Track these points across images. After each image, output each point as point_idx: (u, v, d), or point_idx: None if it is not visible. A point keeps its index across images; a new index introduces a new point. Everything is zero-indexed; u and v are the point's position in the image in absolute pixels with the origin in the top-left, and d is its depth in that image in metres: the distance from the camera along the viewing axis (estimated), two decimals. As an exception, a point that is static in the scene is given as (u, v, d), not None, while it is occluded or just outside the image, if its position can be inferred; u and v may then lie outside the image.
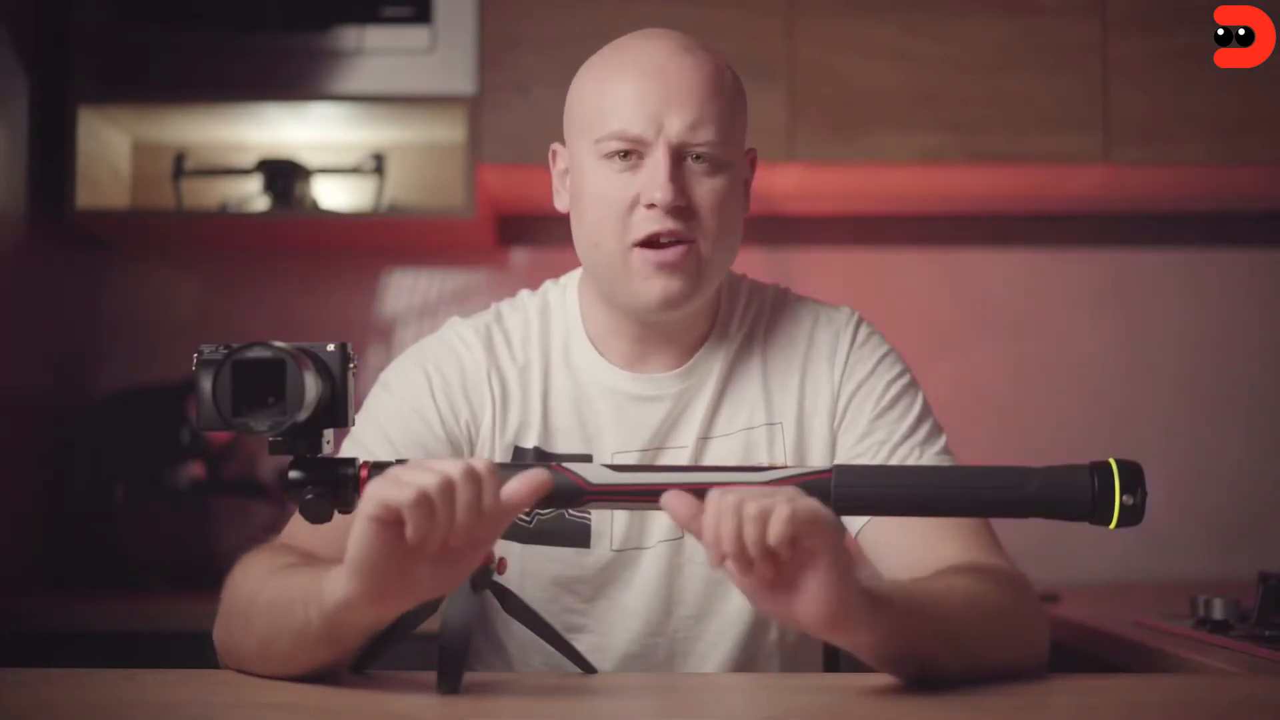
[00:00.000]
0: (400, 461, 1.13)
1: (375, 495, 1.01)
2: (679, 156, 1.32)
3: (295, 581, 1.14)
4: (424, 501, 0.99)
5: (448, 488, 1.00)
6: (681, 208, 1.31)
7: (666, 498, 1.04)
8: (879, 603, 1.06)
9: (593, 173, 1.35)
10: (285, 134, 2.67)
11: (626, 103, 1.32)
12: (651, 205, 1.31)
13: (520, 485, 1.04)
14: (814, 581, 1.01)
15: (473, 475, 1.02)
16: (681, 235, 1.32)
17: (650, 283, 1.33)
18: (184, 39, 2.47)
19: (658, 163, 1.31)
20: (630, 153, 1.32)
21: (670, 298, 1.33)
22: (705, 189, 1.33)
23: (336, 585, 1.04)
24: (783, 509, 0.99)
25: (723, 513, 1.00)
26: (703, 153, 1.32)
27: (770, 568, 1.01)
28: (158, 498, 2.53)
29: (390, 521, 1.00)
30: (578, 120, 1.38)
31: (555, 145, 1.44)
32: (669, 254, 1.32)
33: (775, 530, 0.99)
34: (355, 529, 1.02)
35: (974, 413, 2.73)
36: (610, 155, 1.33)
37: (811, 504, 1.01)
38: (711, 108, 1.32)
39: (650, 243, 1.32)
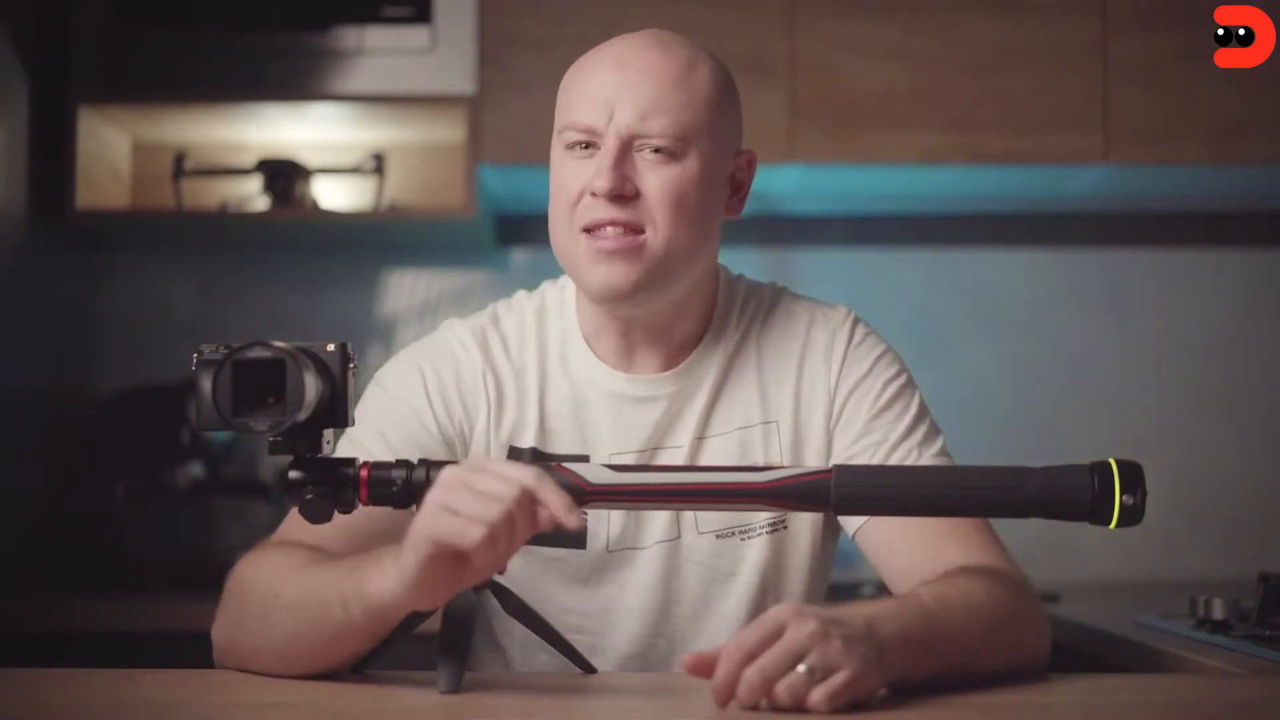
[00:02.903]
0: (402, 462, 1.13)
1: (435, 534, 1.03)
2: (628, 146, 1.32)
3: (326, 579, 1.16)
4: (489, 539, 1.02)
5: (509, 520, 1.02)
6: (626, 196, 1.31)
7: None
8: (888, 655, 1.06)
9: (557, 163, 1.37)
10: (285, 134, 2.67)
11: (586, 94, 1.34)
12: (595, 194, 1.32)
13: (568, 518, 1.04)
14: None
15: (529, 499, 1.03)
16: (622, 221, 1.31)
17: (595, 269, 1.33)
18: (184, 39, 2.47)
19: (605, 152, 1.32)
20: (589, 144, 1.33)
21: (614, 284, 1.32)
22: (656, 178, 1.32)
23: (384, 589, 1.08)
24: (821, 704, 0.99)
25: (750, 687, 1.00)
26: (658, 144, 1.32)
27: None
28: (158, 498, 2.53)
29: (449, 556, 1.04)
30: (555, 115, 1.39)
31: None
32: (610, 240, 1.32)
33: (817, 709, 1.00)
34: (412, 557, 1.04)
35: (973, 412, 2.73)
36: (571, 146, 1.35)
37: (839, 683, 1.00)
38: (669, 99, 1.31)
39: (594, 229, 1.33)
